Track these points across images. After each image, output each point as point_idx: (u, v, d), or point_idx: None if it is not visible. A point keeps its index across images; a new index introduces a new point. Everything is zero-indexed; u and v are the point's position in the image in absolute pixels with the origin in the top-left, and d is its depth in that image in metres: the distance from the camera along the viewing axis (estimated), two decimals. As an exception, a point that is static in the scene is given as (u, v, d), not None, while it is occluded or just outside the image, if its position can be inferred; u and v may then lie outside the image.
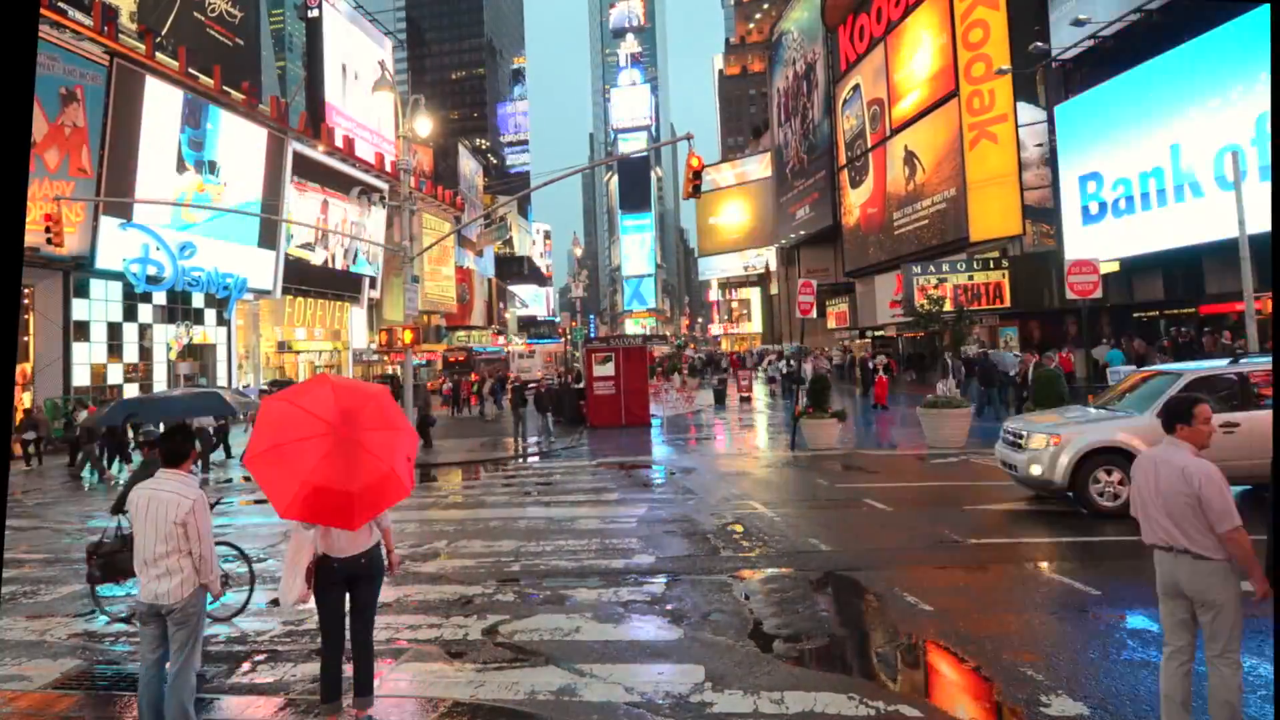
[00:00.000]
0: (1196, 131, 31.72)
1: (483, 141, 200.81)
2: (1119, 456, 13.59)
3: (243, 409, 21.79)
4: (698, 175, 24.74)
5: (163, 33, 58.09)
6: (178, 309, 53.29)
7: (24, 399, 41.81)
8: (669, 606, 10.10)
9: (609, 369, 34.01)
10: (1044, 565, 11.16)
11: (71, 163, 41.80)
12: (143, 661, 6.67)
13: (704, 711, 7.02)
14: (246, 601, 10.65)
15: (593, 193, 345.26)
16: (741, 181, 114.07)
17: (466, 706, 7.24)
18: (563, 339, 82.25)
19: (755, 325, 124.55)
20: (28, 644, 9.72)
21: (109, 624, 10.58)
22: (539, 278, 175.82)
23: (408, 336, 28.66)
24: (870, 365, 40.58)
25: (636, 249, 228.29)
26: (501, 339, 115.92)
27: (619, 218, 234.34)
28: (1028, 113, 44.60)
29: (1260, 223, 24.15)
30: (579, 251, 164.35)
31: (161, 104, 48.64)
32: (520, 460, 26.69)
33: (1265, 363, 13.90)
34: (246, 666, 8.65)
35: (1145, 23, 35.40)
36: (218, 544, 8.29)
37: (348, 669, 7.02)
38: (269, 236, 60.36)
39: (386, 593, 10.84)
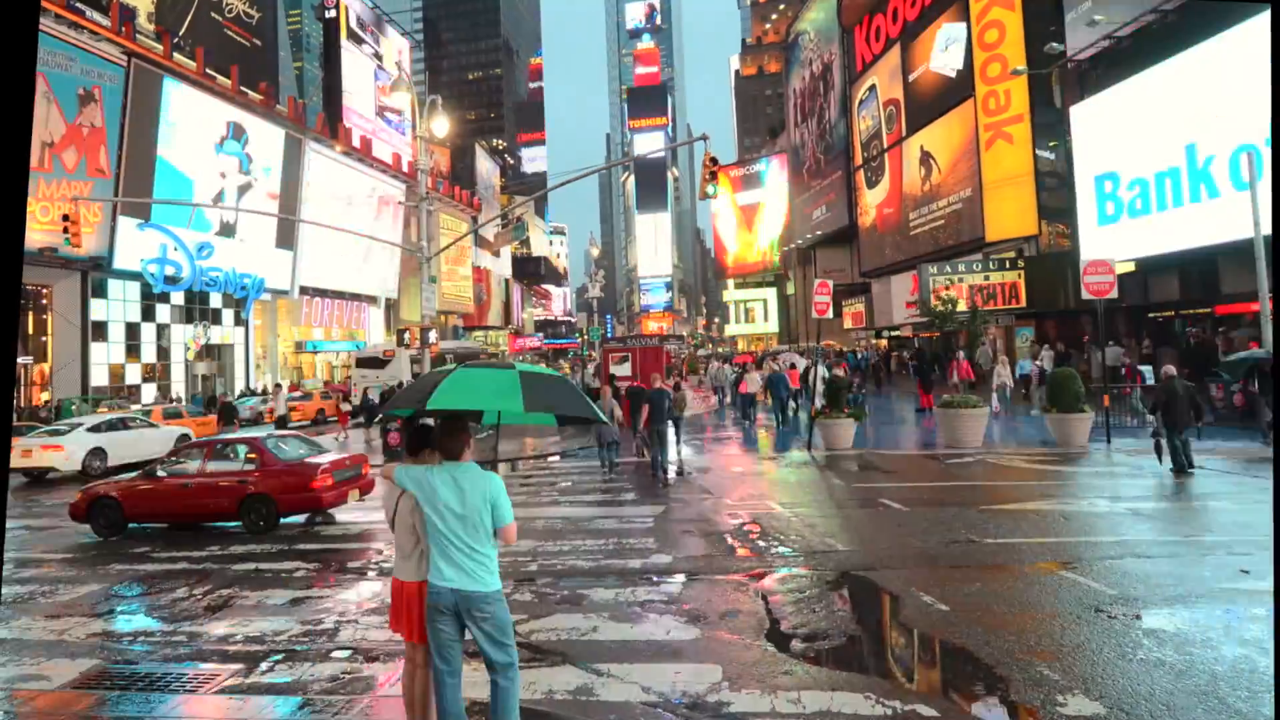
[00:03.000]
0: (1212, 131, 31.59)
1: (500, 142, 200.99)
2: None
3: None
4: (714, 176, 24.79)
5: (180, 33, 58.32)
6: (195, 309, 53.54)
7: (42, 399, 42.00)
8: (686, 606, 10.11)
9: (626, 369, 33.99)
10: (1059, 564, 11.15)
11: (90, 163, 42.01)
12: None
13: (721, 711, 7.03)
14: None
15: (609, 193, 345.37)
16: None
17: (483, 705, 7.26)
18: (579, 339, 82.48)
19: (772, 325, 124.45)
20: (46, 644, 9.75)
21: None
22: (556, 278, 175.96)
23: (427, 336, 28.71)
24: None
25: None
26: (520, 340, 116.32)
27: (635, 217, 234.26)
28: (1044, 113, 44.56)
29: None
30: (596, 252, 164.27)
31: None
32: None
33: None
34: (264, 666, 8.69)
35: (1161, 23, 35.33)
36: None
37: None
38: (286, 237, 60.56)
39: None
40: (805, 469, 21.30)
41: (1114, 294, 23.86)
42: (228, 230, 53.53)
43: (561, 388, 6.38)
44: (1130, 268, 35.30)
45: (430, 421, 6.48)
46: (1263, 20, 28.85)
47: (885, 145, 63.00)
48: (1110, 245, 34.33)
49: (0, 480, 2.41)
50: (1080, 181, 40.11)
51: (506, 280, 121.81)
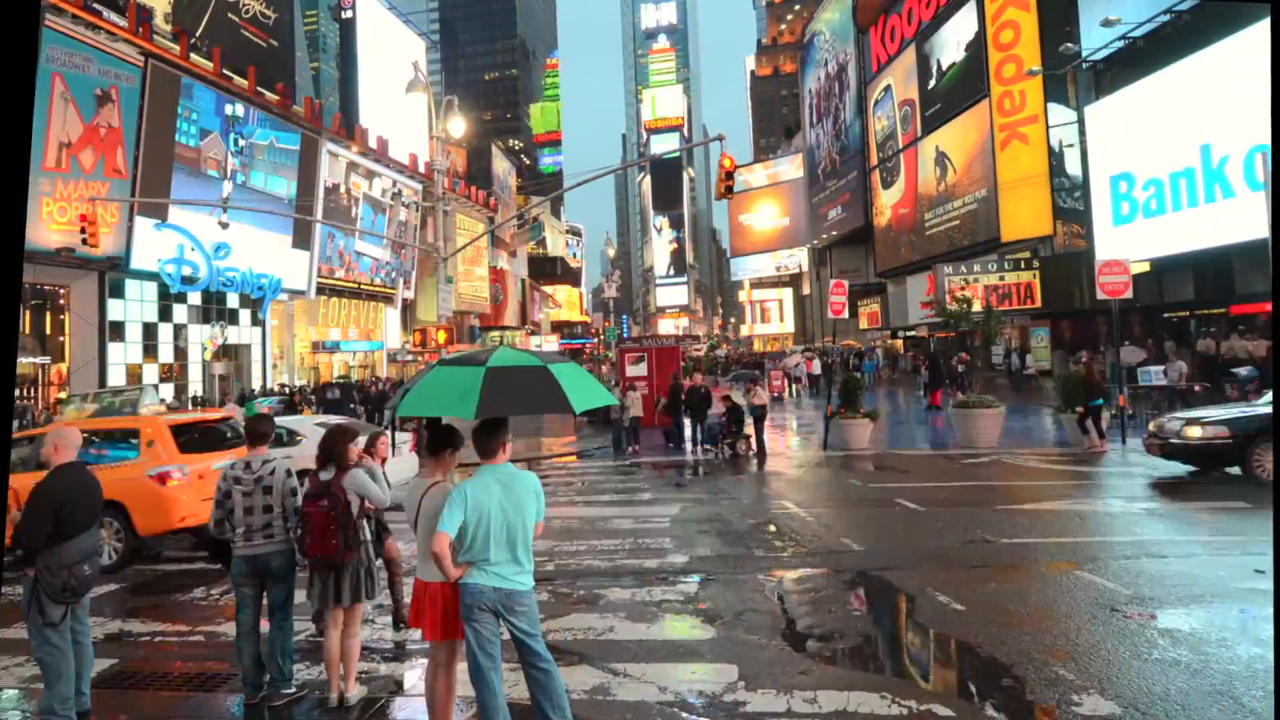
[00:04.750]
0: (1226, 131, 31.53)
1: (516, 142, 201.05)
2: None
3: None
4: (730, 176, 24.81)
5: (197, 34, 58.36)
6: (212, 309, 53.61)
7: (59, 399, 42.11)
8: (702, 606, 10.14)
9: (642, 369, 33.95)
10: (1074, 564, 11.16)
11: (107, 163, 42.04)
12: None
13: (737, 710, 7.07)
14: None
15: (625, 193, 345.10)
16: (774, 182, 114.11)
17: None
18: (595, 339, 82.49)
19: (788, 325, 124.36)
20: None
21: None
22: (572, 278, 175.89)
23: (441, 337, 28.73)
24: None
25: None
26: (535, 339, 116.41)
27: (651, 217, 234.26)
28: (1059, 113, 44.49)
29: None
30: (612, 252, 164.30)
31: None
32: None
33: None
34: (284, 664, 8.71)
35: (1175, 23, 35.27)
36: None
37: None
38: (303, 237, 60.62)
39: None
40: (821, 469, 21.31)
41: (1129, 294, 23.84)
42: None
43: (536, 381, 6.24)
44: (1145, 268, 35.25)
45: (451, 422, 6.52)
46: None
47: (901, 145, 62.99)
48: (1125, 245, 34.29)
49: (0, 480, 2.44)
50: (1095, 182, 40.08)
51: (523, 280, 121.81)
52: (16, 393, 40.80)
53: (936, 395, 35.56)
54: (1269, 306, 25.63)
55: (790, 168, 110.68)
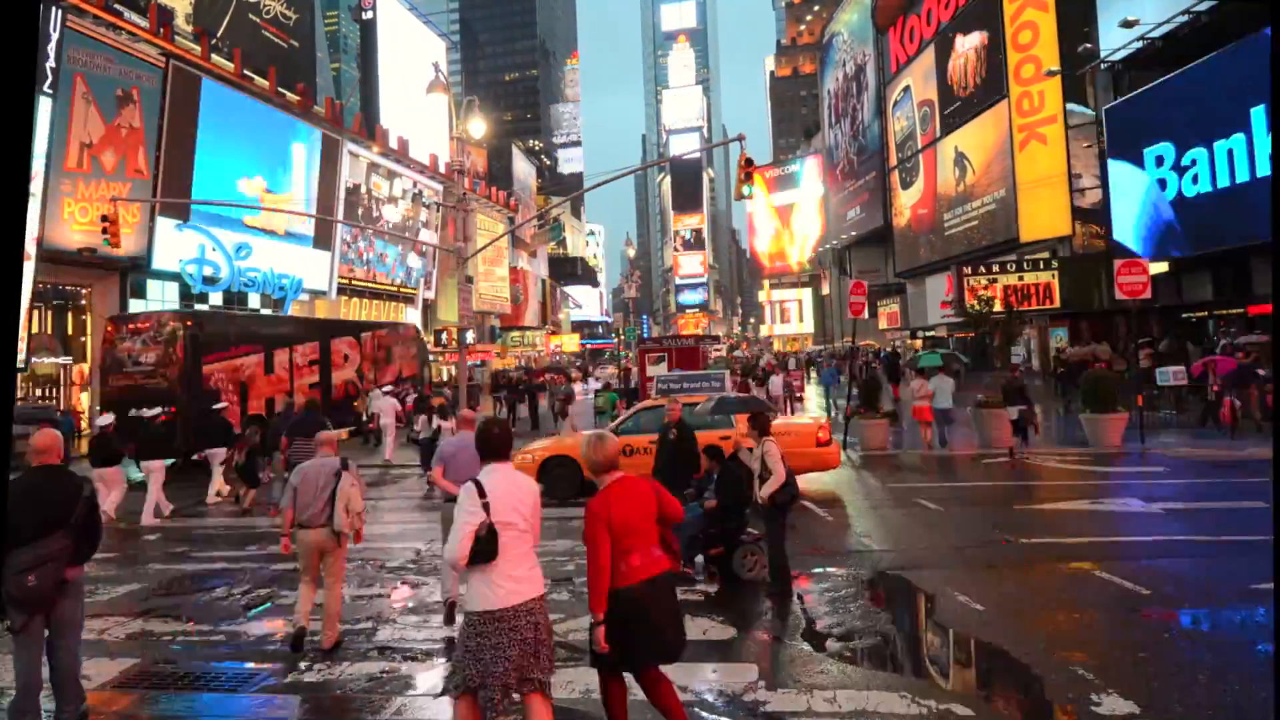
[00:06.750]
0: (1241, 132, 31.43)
1: (536, 143, 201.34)
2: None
3: None
4: (749, 176, 24.84)
5: (218, 34, 58.52)
6: (234, 310, 53.78)
7: (82, 400, 42.24)
8: (722, 606, 10.16)
9: (662, 370, 34.02)
10: (1094, 565, 11.14)
11: (128, 164, 42.17)
12: None
13: (757, 710, 7.11)
14: None
15: (645, 194, 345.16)
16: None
17: (520, 704, 7.32)
18: (616, 339, 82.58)
19: (807, 325, 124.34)
20: (86, 643, 9.60)
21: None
22: (592, 278, 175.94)
23: (470, 336, 28.78)
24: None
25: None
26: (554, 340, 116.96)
27: (671, 218, 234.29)
28: (1077, 114, 44.41)
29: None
30: (632, 252, 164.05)
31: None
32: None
33: None
34: (303, 665, 8.78)
35: (1193, 24, 35.12)
36: None
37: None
38: (324, 237, 60.74)
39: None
40: (841, 469, 21.27)
41: (1147, 294, 23.79)
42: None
43: None
44: (1164, 268, 35.16)
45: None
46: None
47: (920, 146, 62.91)
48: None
49: (0, 480, 2.46)
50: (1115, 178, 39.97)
51: (544, 280, 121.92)
52: (38, 392, 41.22)
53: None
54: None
55: (809, 168, 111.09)
